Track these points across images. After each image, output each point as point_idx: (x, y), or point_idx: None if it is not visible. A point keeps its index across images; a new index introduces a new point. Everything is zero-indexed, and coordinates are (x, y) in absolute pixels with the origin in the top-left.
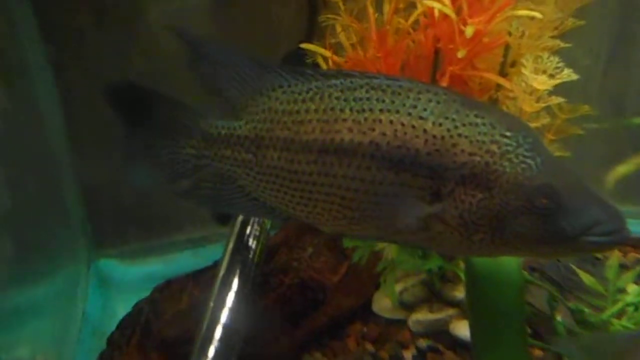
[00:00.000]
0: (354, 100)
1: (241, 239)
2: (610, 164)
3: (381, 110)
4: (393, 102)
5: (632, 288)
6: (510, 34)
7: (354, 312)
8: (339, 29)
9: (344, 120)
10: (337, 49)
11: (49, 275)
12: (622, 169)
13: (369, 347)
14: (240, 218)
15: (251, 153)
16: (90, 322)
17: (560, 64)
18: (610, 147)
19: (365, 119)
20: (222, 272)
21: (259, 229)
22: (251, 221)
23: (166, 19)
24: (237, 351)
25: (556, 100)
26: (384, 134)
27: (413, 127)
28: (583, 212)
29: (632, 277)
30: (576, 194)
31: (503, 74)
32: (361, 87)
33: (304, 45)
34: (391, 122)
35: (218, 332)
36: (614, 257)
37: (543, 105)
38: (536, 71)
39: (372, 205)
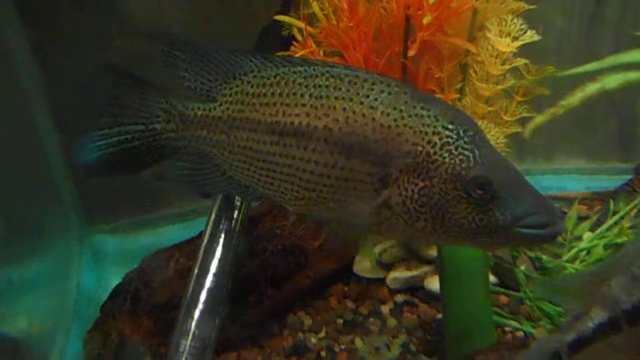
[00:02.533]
0: (314, 86)
1: (223, 209)
2: (584, 123)
3: (336, 98)
4: (348, 90)
5: (587, 235)
6: None
7: (335, 274)
8: None
9: (303, 104)
10: (312, 19)
11: (42, 251)
12: (538, 120)
13: (350, 304)
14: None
15: (224, 133)
16: (85, 294)
17: (524, 26)
18: (583, 107)
19: (322, 105)
20: (205, 241)
21: (240, 199)
22: None
23: None
24: (221, 313)
25: (521, 61)
26: (336, 120)
27: (363, 115)
28: (515, 204)
29: (588, 226)
30: (511, 186)
31: (471, 38)
32: (322, 74)
33: (279, 17)
34: (344, 109)
35: (202, 296)
36: (574, 209)
37: (508, 67)
38: (501, 34)
39: (326, 188)
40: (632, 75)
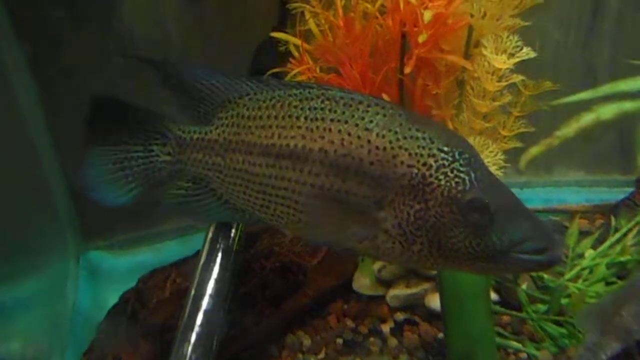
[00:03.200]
0: (309, 109)
1: (220, 227)
2: (584, 136)
3: (332, 120)
4: (343, 112)
5: (589, 252)
6: (472, 15)
7: (334, 291)
8: (307, 16)
9: (299, 127)
10: (308, 36)
11: (37, 270)
12: (534, 151)
13: (350, 323)
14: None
15: (220, 156)
16: (81, 314)
17: (519, 43)
18: None
19: (317, 127)
20: (202, 261)
21: None
22: None
23: (140, 11)
24: (218, 335)
25: (517, 78)
26: (332, 142)
27: (359, 137)
28: (513, 228)
29: (590, 243)
30: (508, 210)
31: (467, 55)
32: (317, 97)
33: (275, 34)
34: (339, 131)
35: (199, 319)
36: (575, 225)
37: (505, 84)
38: (496, 51)
39: (322, 211)
40: (627, 105)
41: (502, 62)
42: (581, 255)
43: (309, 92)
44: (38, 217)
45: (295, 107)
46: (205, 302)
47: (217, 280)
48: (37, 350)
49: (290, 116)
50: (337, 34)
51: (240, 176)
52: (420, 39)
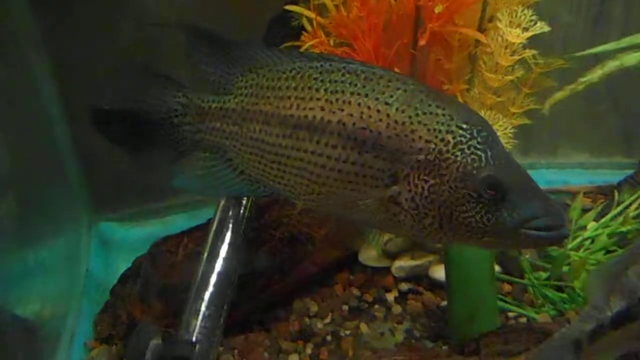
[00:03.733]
0: (330, 81)
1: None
2: (589, 119)
3: (352, 93)
4: (364, 86)
5: (591, 225)
6: None
7: (341, 262)
8: None
9: (318, 99)
10: (322, 10)
11: (52, 237)
12: (558, 95)
13: (355, 291)
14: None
15: (237, 125)
16: (94, 278)
17: (534, 17)
18: (588, 102)
19: (337, 100)
20: (214, 227)
21: None
22: None
23: None
24: (230, 296)
25: (530, 52)
26: (351, 115)
27: (378, 111)
28: (524, 206)
29: (592, 216)
30: (521, 188)
31: (481, 29)
32: (338, 70)
33: (288, 7)
34: (359, 104)
35: (213, 279)
36: (578, 200)
37: (518, 57)
38: (511, 25)
39: (337, 182)
40: None
41: (516, 36)
42: (583, 228)
43: (330, 65)
44: (53, 186)
45: (315, 79)
46: (218, 264)
47: (229, 244)
48: (53, 311)
49: (309, 88)
50: (351, 8)
51: (256, 145)
52: (437, 10)
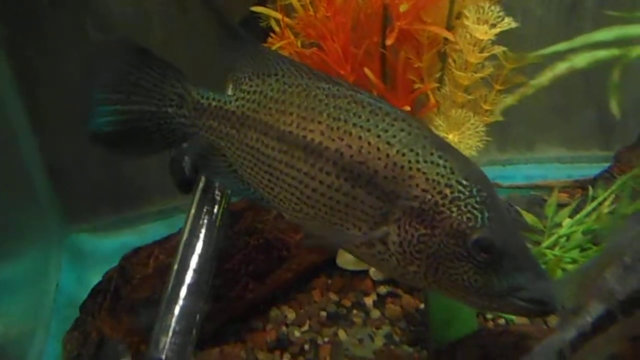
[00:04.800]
0: (334, 107)
1: (202, 204)
2: (565, 113)
3: (354, 125)
4: (368, 120)
5: (566, 222)
6: None
7: (318, 267)
8: None
9: (320, 122)
10: (289, 10)
11: (19, 253)
12: (508, 100)
13: (333, 297)
14: (201, 185)
15: (235, 129)
16: (65, 294)
17: (502, 13)
18: (564, 96)
19: (338, 128)
20: (185, 237)
21: (219, 194)
22: (212, 187)
23: None
24: (202, 309)
25: (499, 49)
26: (350, 147)
27: (378, 149)
28: (515, 274)
29: (567, 213)
30: (514, 255)
31: (449, 26)
32: (345, 97)
33: (255, 9)
34: (360, 137)
35: (183, 292)
36: (554, 196)
37: (486, 55)
38: (478, 21)
39: (325, 208)
40: (601, 54)
41: (484, 33)
42: (559, 225)
43: (337, 90)
44: (19, 201)
45: (321, 101)
46: (188, 277)
47: (200, 255)
48: (20, 330)
49: (313, 109)
50: (318, 8)
51: (251, 153)
52: (402, 8)
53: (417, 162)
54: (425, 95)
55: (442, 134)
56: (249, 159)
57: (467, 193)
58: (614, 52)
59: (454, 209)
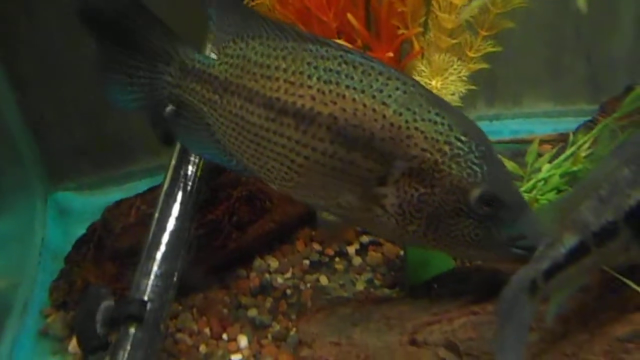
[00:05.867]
0: (324, 70)
1: (183, 155)
2: (554, 68)
3: (347, 87)
4: (361, 81)
5: (545, 167)
6: None
7: (302, 219)
8: None
9: (310, 87)
10: None
11: (3, 210)
12: (474, 3)
13: (316, 246)
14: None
15: (218, 94)
16: (51, 248)
17: None
18: (554, 51)
19: (330, 91)
20: (165, 186)
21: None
22: None
23: None
24: (183, 255)
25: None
26: (344, 110)
27: (374, 110)
28: (513, 224)
29: (547, 159)
30: (512, 207)
31: None
32: (334, 58)
33: None
34: (354, 100)
35: (164, 238)
36: (534, 144)
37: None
38: None
39: (319, 175)
40: None
41: None
42: (538, 170)
43: (326, 51)
44: (1, 161)
45: (309, 64)
46: (170, 224)
47: (181, 203)
48: (6, 282)
49: (301, 73)
50: None
51: (234, 121)
52: None
53: (415, 120)
54: (410, 41)
55: (425, 80)
56: (232, 127)
57: (466, 149)
58: None
59: (454, 166)
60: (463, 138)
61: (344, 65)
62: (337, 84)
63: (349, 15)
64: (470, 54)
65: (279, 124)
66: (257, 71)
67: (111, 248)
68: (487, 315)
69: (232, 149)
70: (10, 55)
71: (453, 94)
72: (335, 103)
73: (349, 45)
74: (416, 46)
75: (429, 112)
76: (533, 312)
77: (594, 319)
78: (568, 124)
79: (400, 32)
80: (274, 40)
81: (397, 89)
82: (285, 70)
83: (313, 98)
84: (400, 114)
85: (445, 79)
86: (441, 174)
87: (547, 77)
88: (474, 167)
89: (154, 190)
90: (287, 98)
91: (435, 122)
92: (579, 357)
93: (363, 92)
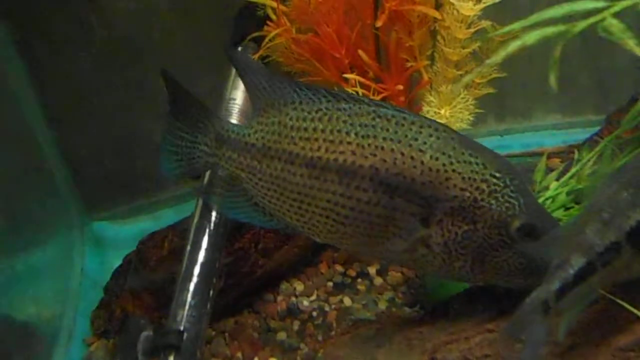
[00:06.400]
0: (360, 125)
1: (211, 187)
2: (561, 80)
3: (384, 139)
4: (396, 132)
5: (553, 184)
6: None
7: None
8: None
9: (349, 143)
10: None
11: (44, 241)
12: (466, 78)
13: (339, 268)
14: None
15: (256, 160)
16: (90, 277)
17: None
18: (561, 63)
19: (369, 145)
20: (196, 219)
21: None
22: None
23: None
24: (215, 284)
25: (486, 23)
26: (384, 161)
27: (412, 158)
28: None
29: (554, 176)
30: (548, 232)
31: (438, 4)
32: (368, 114)
33: None
34: (392, 150)
35: (196, 270)
36: (542, 161)
37: (473, 30)
38: None
39: (364, 224)
40: (549, 30)
41: (469, 9)
42: (547, 188)
43: (359, 108)
44: (40, 193)
45: (345, 122)
46: (201, 255)
47: (210, 235)
48: (50, 311)
49: (339, 131)
50: None
51: (276, 182)
52: None
53: (451, 163)
54: (419, 73)
55: (434, 110)
56: (273, 189)
57: (502, 184)
58: (560, 28)
59: (493, 202)
60: (497, 174)
61: (378, 119)
62: (375, 137)
63: (360, 51)
64: (477, 81)
65: (323, 181)
66: (295, 135)
67: (147, 279)
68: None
69: (272, 209)
70: (46, 92)
71: (462, 121)
72: (375, 155)
73: (380, 101)
74: (425, 77)
75: (463, 153)
76: (547, 331)
77: (598, 330)
78: (577, 135)
79: (408, 64)
80: (307, 104)
81: (431, 135)
82: (323, 131)
83: (354, 153)
84: (437, 159)
85: (453, 107)
86: (482, 211)
87: (556, 91)
88: (512, 200)
89: (184, 222)
90: (329, 156)
91: (470, 163)
92: None
93: (400, 142)
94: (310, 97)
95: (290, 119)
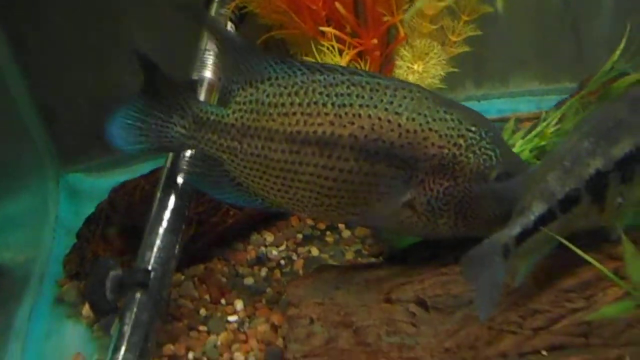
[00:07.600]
0: (336, 95)
1: None
2: (539, 48)
3: (360, 106)
4: (371, 98)
5: (519, 142)
6: None
7: None
8: None
9: (326, 114)
10: None
11: (18, 190)
12: (418, 4)
13: (310, 221)
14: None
15: (236, 141)
16: (64, 226)
17: None
18: (540, 31)
19: (346, 114)
20: (167, 167)
21: None
22: None
23: None
24: (183, 230)
25: None
26: (362, 128)
27: (389, 121)
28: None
29: (521, 135)
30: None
31: None
32: (342, 83)
33: None
34: (369, 116)
35: (165, 215)
36: (511, 122)
37: None
38: None
39: (349, 194)
40: None
41: None
42: (512, 146)
43: (334, 78)
44: (14, 144)
45: (321, 93)
46: (171, 202)
47: (181, 184)
48: (25, 257)
49: (316, 103)
50: None
51: (257, 161)
52: None
53: (427, 122)
54: (395, 29)
55: (407, 64)
56: (255, 168)
57: (478, 137)
58: None
59: (471, 155)
60: (473, 128)
61: (352, 88)
62: (351, 105)
63: (337, 4)
64: (453, 38)
65: (303, 155)
66: (273, 111)
67: (118, 225)
68: (454, 275)
69: (256, 189)
70: (21, 46)
71: (434, 77)
72: (353, 123)
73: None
74: (401, 32)
75: (438, 111)
76: (506, 273)
77: (545, 273)
78: (551, 102)
79: (385, 19)
80: (283, 78)
81: (405, 97)
82: (300, 104)
83: (332, 123)
84: (413, 119)
85: (426, 63)
86: (461, 165)
87: (533, 58)
88: (488, 152)
89: (156, 171)
90: (308, 129)
91: (446, 120)
92: (528, 306)
93: (376, 107)
94: (286, 71)
95: (267, 96)
